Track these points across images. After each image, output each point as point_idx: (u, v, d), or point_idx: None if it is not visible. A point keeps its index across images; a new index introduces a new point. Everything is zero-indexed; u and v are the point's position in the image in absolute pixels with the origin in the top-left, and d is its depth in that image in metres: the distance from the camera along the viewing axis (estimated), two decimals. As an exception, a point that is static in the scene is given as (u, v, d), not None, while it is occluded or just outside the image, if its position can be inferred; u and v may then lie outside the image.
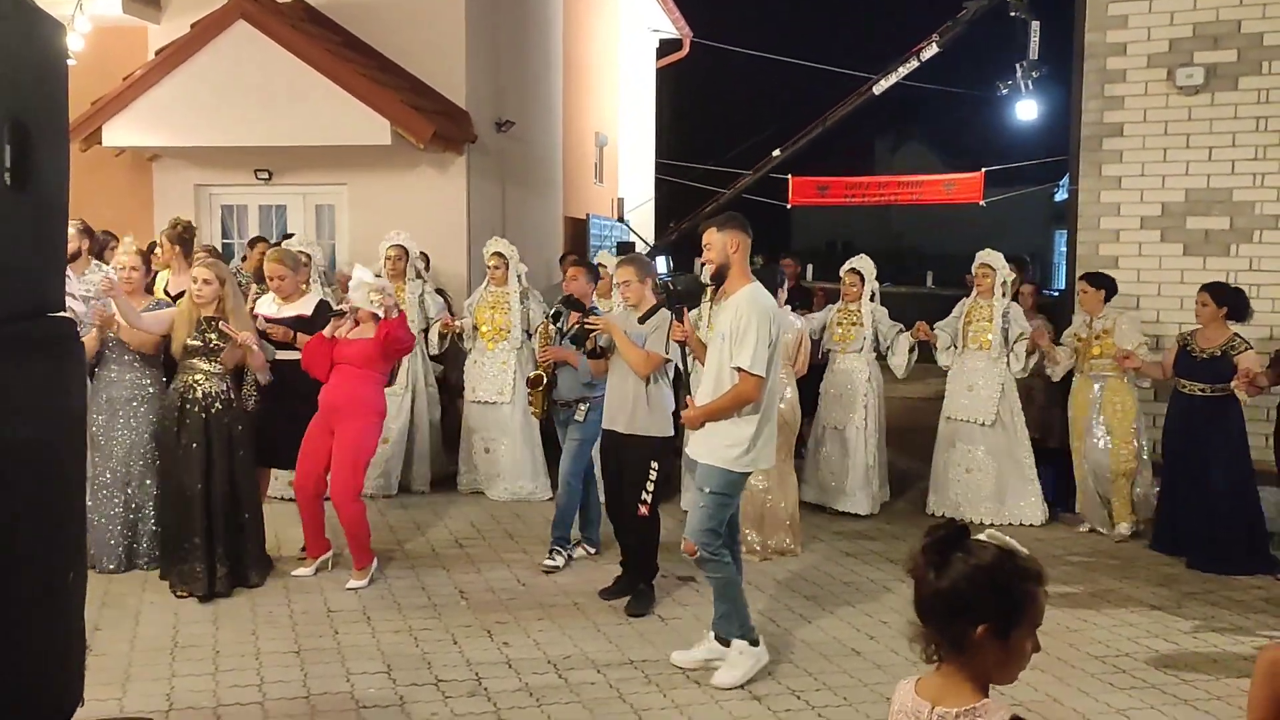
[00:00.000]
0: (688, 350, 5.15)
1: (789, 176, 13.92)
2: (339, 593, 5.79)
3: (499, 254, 7.91)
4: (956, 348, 7.54)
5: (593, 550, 6.58)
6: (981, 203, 15.62)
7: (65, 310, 2.81)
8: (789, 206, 14.74)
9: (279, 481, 7.04)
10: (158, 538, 5.91)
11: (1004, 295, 7.43)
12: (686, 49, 19.31)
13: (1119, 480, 7.06)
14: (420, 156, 9.59)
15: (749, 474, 4.84)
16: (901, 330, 7.72)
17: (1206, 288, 6.63)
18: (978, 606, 1.94)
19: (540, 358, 6.38)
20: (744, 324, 4.61)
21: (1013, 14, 9.27)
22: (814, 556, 6.67)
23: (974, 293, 7.55)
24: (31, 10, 2.38)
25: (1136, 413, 7.06)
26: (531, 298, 8.10)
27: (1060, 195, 16.86)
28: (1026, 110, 10.79)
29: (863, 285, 7.74)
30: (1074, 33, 7.90)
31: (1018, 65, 9.43)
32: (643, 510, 5.48)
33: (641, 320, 5.53)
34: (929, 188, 16.20)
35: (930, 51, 10.17)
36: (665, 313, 5.42)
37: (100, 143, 9.36)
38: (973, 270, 7.57)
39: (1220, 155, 7.39)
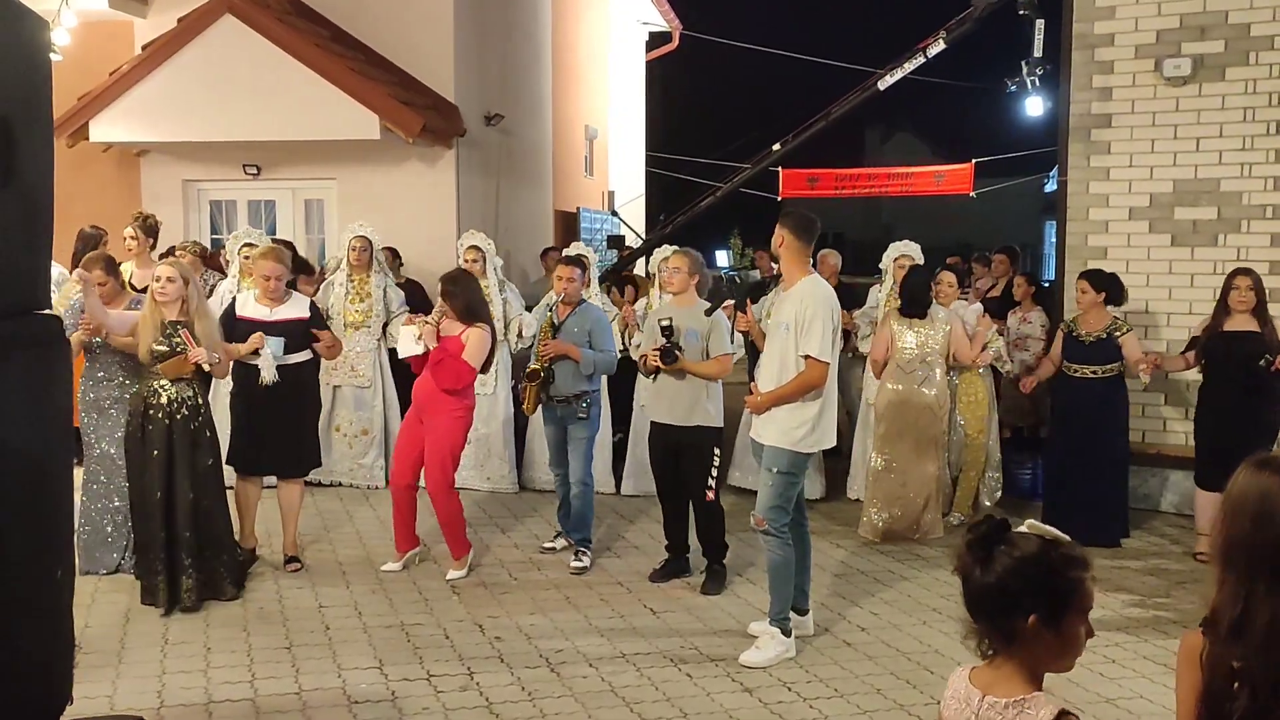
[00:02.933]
0: (749, 339, 5.32)
1: (779, 169, 13.90)
2: (329, 588, 5.79)
3: (475, 247, 7.82)
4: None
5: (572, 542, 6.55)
6: (972, 194, 15.63)
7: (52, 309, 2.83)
8: (779, 199, 14.72)
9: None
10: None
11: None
12: (676, 41, 19.31)
13: (968, 472, 7.26)
14: (409, 151, 9.57)
15: (812, 454, 5.12)
16: None
17: (1084, 275, 6.92)
18: (1026, 598, 1.96)
19: (542, 352, 6.24)
20: (809, 313, 4.85)
21: (1021, 13, 9.30)
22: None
23: (889, 283, 7.67)
24: (13, 6, 2.37)
25: (990, 404, 7.29)
26: (508, 289, 8.03)
27: (1050, 186, 16.89)
28: (1034, 107, 10.84)
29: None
30: (1063, 24, 7.91)
31: (1023, 63, 9.47)
32: (709, 495, 5.80)
33: (707, 314, 5.79)
34: (919, 179, 16.20)
35: (937, 48, 10.17)
36: (720, 314, 5.73)
37: (87, 138, 9.32)
38: (891, 262, 7.67)
39: (1208, 146, 7.40)
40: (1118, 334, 6.66)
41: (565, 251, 8.02)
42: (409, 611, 5.46)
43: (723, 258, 10.86)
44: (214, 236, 10.01)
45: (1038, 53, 9.45)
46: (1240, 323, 6.34)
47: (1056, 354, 6.99)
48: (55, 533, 2.64)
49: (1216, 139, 7.37)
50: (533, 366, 6.27)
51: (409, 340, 5.89)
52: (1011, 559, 1.98)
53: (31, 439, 2.47)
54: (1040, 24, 9.42)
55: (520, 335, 7.83)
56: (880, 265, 7.96)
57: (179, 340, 5.39)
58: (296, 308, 6.10)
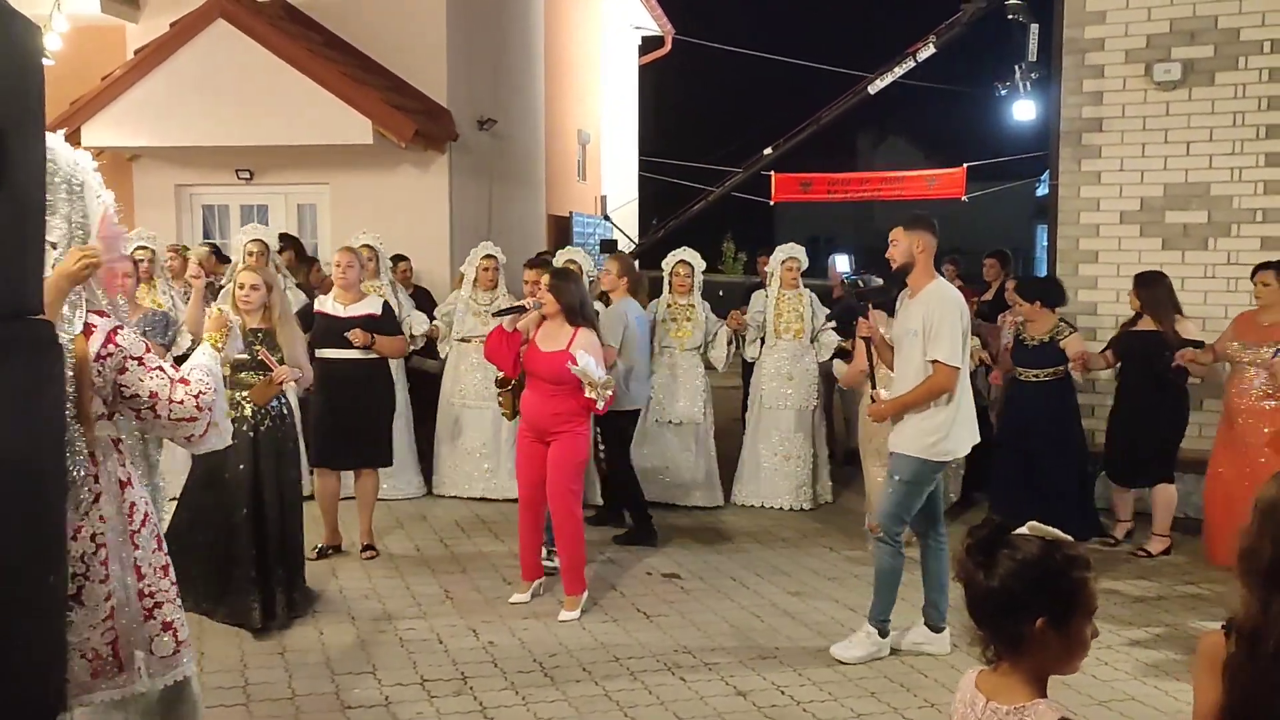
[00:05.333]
0: (873, 346, 5.32)
1: (772, 173, 13.91)
2: (322, 594, 5.77)
3: (368, 245, 7.73)
4: (765, 340, 7.77)
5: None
6: (964, 198, 15.64)
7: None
8: (772, 203, 14.74)
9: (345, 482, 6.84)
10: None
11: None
12: (669, 46, 19.32)
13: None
14: (402, 155, 9.57)
15: (943, 463, 4.96)
16: (721, 323, 7.80)
17: (1015, 288, 7.09)
18: (1033, 602, 1.93)
19: None
20: (937, 318, 4.79)
21: (1010, 17, 9.33)
22: (789, 551, 6.70)
23: (776, 285, 7.77)
24: (5, 11, 2.37)
25: None
26: (399, 290, 7.96)
27: (1041, 190, 16.93)
28: (1025, 111, 10.88)
29: (693, 278, 7.78)
30: (1053, 29, 7.96)
31: (1017, 67, 9.52)
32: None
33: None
34: (911, 183, 16.20)
35: (927, 52, 10.23)
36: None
37: (79, 143, 9.28)
38: (779, 264, 7.78)
39: (1198, 150, 7.44)
40: (1060, 338, 6.76)
41: (484, 251, 7.90)
42: (403, 617, 5.44)
43: (843, 262, 10.72)
44: (206, 241, 9.98)
45: (1031, 57, 9.51)
46: (1147, 323, 6.64)
47: (1006, 358, 7.13)
48: (48, 538, 2.63)
49: (1206, 143, 7.41)
50: (501, 374, 6.11)
51: (593, 366, 5.24)
52: (1015, 562, 1.95)
53: (23, 444, 2.46)
54: (1034, 28, 9.48)
55: (411, 336, 7.69)
56: (767, 268, 8.12)
57: (259, 349, 5.21)
58: (370, 305, 6.42)
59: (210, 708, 4.35)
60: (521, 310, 5.59)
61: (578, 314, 5.48)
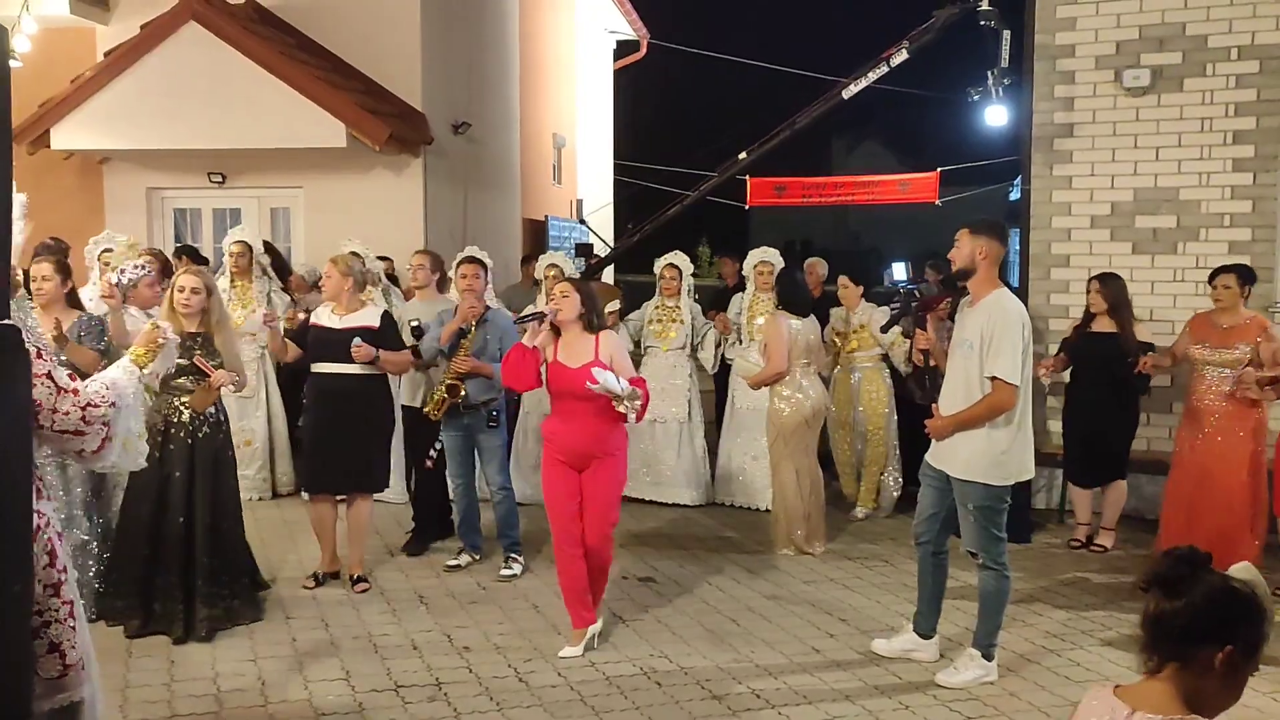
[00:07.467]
0: (930, 358, 5.20)
1: (746, 177, 13.93)
2: (296, 599, 5.74)
3: (355, 253, 7.59)
4: (741, 342, 7.85)
5: (476, 556, 6.40)
6: (937, 202, 15.73)
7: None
8: (747, 207, 14.77)
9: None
10: (107, 574, 5.33)
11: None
12: (644, 50, 19.35)
13: (871, 466, 7.59)
14: (376, 159, 9.54)
15: (1011, 485, 4.66)
16: (710, 325, 7.96)
17: (945, 280, 7.25)
18: (1227, 628, 1.92)
19: (455, 367, 6.06)
20: (997, 331, 4.51)
21: (983, 23, 9.41)
22: (764, 554, 6.71)
23: (751, 288, 7.90)
24: (-29, 13, 2.35)
25: (889, 401, 7.58)
26: (393, 294, 7.94)
27: (1014, 195, 17.06)
28: (997, 116, 10.97)
29: (680, 280, 7.92)
30: (1025, 35, 8.04)
31: (989, 73, 9.60)
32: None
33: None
34: (885, 187, 16.25)
35: (900, 57, 10.29)
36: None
37: (49, 146, 9.21)
38: (751, 268, 7.91)
39: (1167, 155, 7.53)
40: None
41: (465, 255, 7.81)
42: (376, 622, 5.42)
43: (900, 270, 10.73)
44: (177, 245, 9.90)
45: (1003, 63, 9.58)
46: (1102, 325, 6.74)
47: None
48: (12, 544, 2.59)
49: (1175, 148, 7.50)
50: (450, 381, 6.07)
51: (614, 381, 4.79)
52: (1224, 584, 1.95)
53: (-10, 451, 2.43)
54: (1007, 35, 9.58)
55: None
56: (742, 272, 8.22)
57: (199, 352, 5.13)
58: (367, 317, 5.96)
59: (181, 716, 4.32)
60: (541, 317, 5.06)
61: (600, 321, 5.11)
